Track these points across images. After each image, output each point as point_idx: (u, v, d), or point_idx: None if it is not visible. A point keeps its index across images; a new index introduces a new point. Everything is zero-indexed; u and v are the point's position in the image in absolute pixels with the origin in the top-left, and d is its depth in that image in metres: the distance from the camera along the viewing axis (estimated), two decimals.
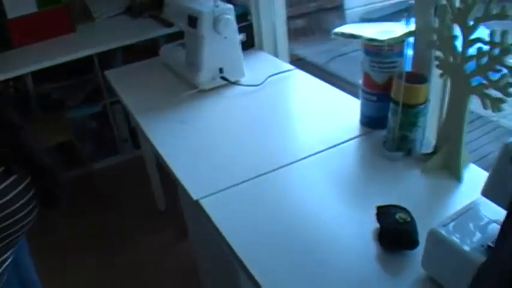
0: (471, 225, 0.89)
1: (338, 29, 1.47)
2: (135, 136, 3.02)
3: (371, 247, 1.04)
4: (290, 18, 2.23)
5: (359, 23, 1.54)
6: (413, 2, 1.33)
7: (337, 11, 4.13)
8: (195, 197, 1.25)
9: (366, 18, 4.91)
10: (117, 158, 3.19)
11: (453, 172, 1.24)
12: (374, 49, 1.36)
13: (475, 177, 1.21)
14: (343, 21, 4.18)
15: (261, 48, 2.18)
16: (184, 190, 1.29)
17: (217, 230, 1.14)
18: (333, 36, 1.50)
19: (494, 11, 1.03)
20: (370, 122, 1.48)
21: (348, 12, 4.43)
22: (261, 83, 1.83)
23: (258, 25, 2.14)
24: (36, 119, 2.80)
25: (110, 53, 2.63)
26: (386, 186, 1.23)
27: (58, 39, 2.71)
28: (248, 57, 1.99)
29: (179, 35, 2.08)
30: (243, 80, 1.87)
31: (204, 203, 1.23)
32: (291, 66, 1.98)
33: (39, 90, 2.78)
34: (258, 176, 1.31)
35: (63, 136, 2.70)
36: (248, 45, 2.11)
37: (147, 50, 2.42)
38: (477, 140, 3.21)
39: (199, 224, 1.24)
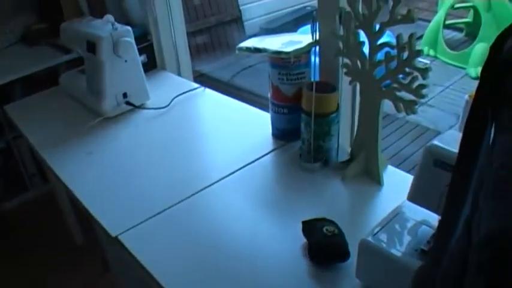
0: (400, 230, 0.88)
1: (242, 44, 1.45)
2: (44, 170, 2.87)
3: (302, 264, 1.01)
4: (189, 34, 2.19)
5: (261, 35, 1.52)
6: (311, 9, 1.32)
7: (236, 23, 4.14)
8: (113, 234, 1.18)
9: (267, 28, 4.97)
10: (28, 195, 3.02)
11: (373, 177, 1.23)
12: (280, 62, 1.35)
13: (395, 179, 1.21)
14: (243, 33, 4.19)
15: (163, 68, 2.14)
16: (101, 227, 1.21)
17: (139, 262, 1.08)
18: (237, 51, 1.47)
19: (399, 16, 1.03)
20: (283, 134, 1.47)
21: (247, 23, 4.45)
22: (168, 105, 1.78)
23: (159, 44, 2.10)
24: None
25: (8, 86, 2.47)
26: (309, 199, 1.21)
27: None
28: (151, 78, 1.95)
29: (79, 61, 1.99)
30: (149, 103, 1.81)
31: (124, 238, 1.16)
32: (196, 85, 1.94)
33: None
34: (176, 204, 1.26)
35: None
36: (150, 66, 2.06)
37: (46, 80, 2.30)
38: (397, 142, 3.30)
39: (121, 256, 1.17)
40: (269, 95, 1.43)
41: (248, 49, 1.41)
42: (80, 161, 1.52)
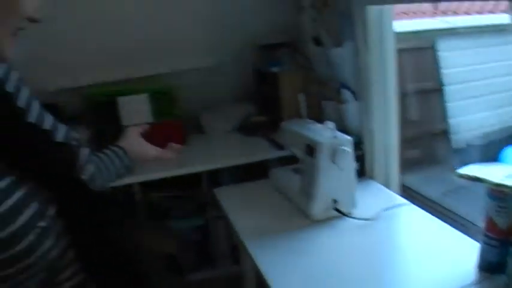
0: None
1: (462, 171, 1.42)
2: (235, 252, 2.98)
3: None
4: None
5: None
6: None
7: (443, 136, 4.06)
8: None
9: (474, 145, 4.80)
10: (215, 272, 3.15)
11: None
12: (501, 194, 1.30)
13: None
14: (449, 147, 4.09)
15: (371, 178, 2.18)
16: None
17: None
18: (457, 177, 1.45)
19: None
20: (489, 267, 1.40)
21: (454, 137, 4.35)
22: (374, 217, 1.80)
23: (371, 155, 2.16)
24: (142, 226, 2.84)
25: (219, 169, 2.66)
26: None
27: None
28: (359, 186, 1.96)
29: (290, 159, 2.11)
30: (355, 212, 1.85)
31: None
32: (404, 200, 1.95)
33: (146, 199, 2.83)
34: None
35: (169, 247, 2.71)
36: (359, 174, 2.07)
37: (255, 169, 2.42)
38: None
39: None
40: (482, 225, 1.39)
41: (468, 177, 1.39)
42: (279, 255, 1.59)
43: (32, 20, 0.85)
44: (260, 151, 2.63)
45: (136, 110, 2.71)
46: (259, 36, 2.91)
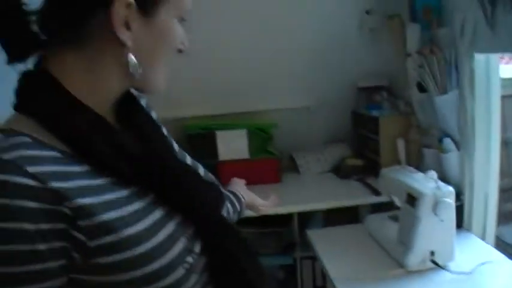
0: None
1: None
2: None
3: None
4: None
5: None
6: None
7: None
8: None
9: None
10: None
11: None
12: None
13: None
14: None
15: (468, 229, 2.11)
16: None
17: None
18: None
19: None
20: None
21: None
22: (471, 272, 1.75)
23: (470, 206, 2.10)
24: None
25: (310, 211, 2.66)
26: None
27: (264, 187, 2.81)
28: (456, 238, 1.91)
29: (385, 205, 2.08)
30: (452, 265, 1.79)
31: None
32: (502, 255, 1.88)
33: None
34: None
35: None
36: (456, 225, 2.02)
37: (347, 213, 2.39)
38: None
39: None
40: None
41: None
42: None
43: (179, 52, 0.94)
44: (355, 195, 2.60)
45: (233, 145, 2.77)
46: (358, 78, 2.92)
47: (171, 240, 0.85)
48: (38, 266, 0.70)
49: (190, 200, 0.92)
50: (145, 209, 0.84)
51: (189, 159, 1.17)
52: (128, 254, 0.77)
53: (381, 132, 2.65)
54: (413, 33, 2.29)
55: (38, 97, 0.81)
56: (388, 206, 2.33)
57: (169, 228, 0.86)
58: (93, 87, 0.85)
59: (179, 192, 0.90)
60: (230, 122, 2.84)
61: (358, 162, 2.84)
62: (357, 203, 2.56)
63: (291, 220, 2.76)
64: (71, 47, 0.83)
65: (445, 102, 2.11)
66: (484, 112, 2.03)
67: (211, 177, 1.14)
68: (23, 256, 0.69)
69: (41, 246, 0.70)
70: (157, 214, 0.85)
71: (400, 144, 2.60)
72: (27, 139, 0.76)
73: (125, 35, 0.83)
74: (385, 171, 2.02)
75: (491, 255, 1.87)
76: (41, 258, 0.70)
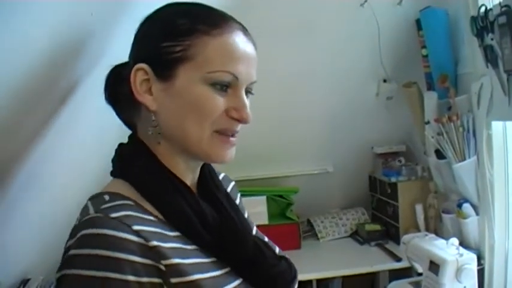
0: None
1: None
2: None
3: None
4: None
5: None
6: None
7: None
8: None
9: None
10: None
11: None
12: None
13: None
14: None
15: None
16: None
17: None
18: None
19: None
20: None
21: None
22: None
23: (490, 271, 2.10)
24: None
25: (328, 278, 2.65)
26: None
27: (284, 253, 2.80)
28: None
29: (404, 270, 2.06)
30: None
31: None
32: None
33: None
34: None
35: None
36: None
37: (366, 279, 2.38)
38: None
39: None
40: None
41: None
42: None
43: (236, 120, 0.95)
44: (373, 261, 2.58)
45: (253, 211, 2.77)
46: (376, 143, 2.96)
47: None
48: None
49: (265, 278, 0.96)
50: (226, 276, 0.91)
51: (254, 227, 1.21)
52: None
53: (400, 198, 2.67)
54: (430, 101, 2.35)
55: (135, 166, 0.92)
56: (407, 272, 2.33)
57: None
58: (166, 156, 0.94)
59: (256, 269, 0.95)
60: (249, 188, 2.86)
61: (376, 227, 2.84)
62: (377, 269, 2.55)
63: (310, 286, 2.75)
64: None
65: (464, 169, 2.14)
66: (502, 179, 2.06)
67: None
68: None
69: None
70: (236, 283, 0.91)
71: (419, 209, 2.61)
72: (130, 202, 0.86)
73: (146, 100, 0.90)
74: (407, 238, 2.03)
75: None
76: None
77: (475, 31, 1.98)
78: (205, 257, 0.89)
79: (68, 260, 0.79)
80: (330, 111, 2.82)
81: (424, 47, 2.39)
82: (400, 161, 2.82)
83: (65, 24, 1.23)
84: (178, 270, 0.82)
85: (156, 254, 0.80)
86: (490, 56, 1.92)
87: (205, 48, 0.88)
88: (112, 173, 0.96)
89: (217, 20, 0.91)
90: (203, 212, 0.91)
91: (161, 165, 0.93)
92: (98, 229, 0.78)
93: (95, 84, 1.08)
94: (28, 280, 1.86)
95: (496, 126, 2.03)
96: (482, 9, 1.91)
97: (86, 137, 1.85)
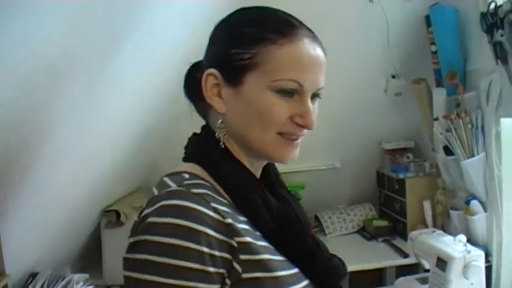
0: None
1: None
2: None
3: None
4: None
5: None
6: None
7: None
8: None
9: None
10: None
11: None
12: None
13: None
14: None
15: None
16: None
17: None
18: None
19: None
20: None
21: None
22: None
23: (497, 269, 2.11)
24: None
25: None
26: None
27: None
28: None
29: (411, 266, 2.06)
30: None
31: None
32: None
33: None
34: None
35: None
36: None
37: (373, 274, 2.38)
38: None
39: None
40: None
41: None
42: None
43: (300, 126, 0.98)
44: (381, 257, 2.59)
45: None
46: (384, 139, 2.95)
47: None
48: (203, 285, 0.82)
49: (321, 271, 0.99)
50: (287, 262, 0.94)
51: None
52: None
53: (408, 194, 2.67)
54: (439, 98, 2.34)
55: (210, 152, 0.97)
56: (414, 268, 2.33)
57: (305, 283, 0.95)
58: (234, 150, 0.99)
59: (312, 262, 0.98)
60: None
61: (383, 223, 2.84)
62: (385, 265, 2.55)
63: None
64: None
65: (472, 165, 2.13)
66: (511, 174, 2.05)
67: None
68: (193, 273, 0.81)
69: (211, 269, 0.82)
70: (295, 269, 0.95)
71: (426, 206, 2.61)
72: (207, 183, 0.92)
73: (216, 103, 0.96)
74: (414, 234, 2.03)
75: None
76: (208, 280, 0.82)
77: (484, 27, 1.98)
78: (268, 244, 0.93)
79: (148, 226, 0.84)
80: (338, 107, 2.80)
81: (433, 43, 2.39)
82: (408, 157, 2.82)
83: None
84: (249, 248, 0.87)
85: (231, 230, 0.86)
86: (500, 53, 1.91)
87: (272, 57, 0.91)
88: (184, 159, 1.02)
89: (285, 29, 0.93)
90: (269, 202, 0.95)
91: (232, 155, 0.98)
92: (181, 201, 0.84)
93: None
94: (36, 274, 1.88)
95: (505, 123, 2.02)
96: (492, 5, 1.91)
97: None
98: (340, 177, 3.07)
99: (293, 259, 0.96)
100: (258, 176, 1.03)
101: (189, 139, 1.05)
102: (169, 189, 0.88)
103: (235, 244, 0.85)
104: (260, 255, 0.88)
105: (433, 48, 2.39)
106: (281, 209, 0.97)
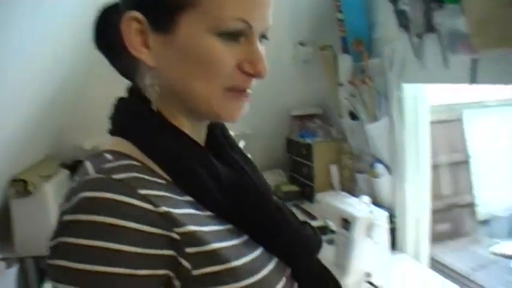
0: None
1: (496, 249, 1.46)
2: None
3: None
4: None
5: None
6: None
7: (468, 208, 4.05)
8: None
9: (499, 217, 4.79)
10: None
11: None
12: None
13: None
14: (474, 218, 4.07)
15: (402, 251, 2.19)
16: None
17: None
18: (491, 255, 1.48)
19: None
20: None
21: (478, 209, 4.36)
22: None
23: (403, 228, 2.19)
24: None
25: None
26: None
27: None
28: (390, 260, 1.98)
29: (318, 228, 2.10)
30: (387, 285, 1.85)
31: None
32: (436, 274, 1.97)
33: None
34: None
35: None
36: (391, 247, 2.10)
37: None
38: None
39: None
40: None
41: (503, 255, 1.43)
42: None
43: (249, 75, 0.81)
44: None
45: None
46: (293, 106, 2.99)
47: (274, 278, 0.81)
48: None
49: (290, 246, 0.86)
50: (247, 245, 0.79)
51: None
52: (233, 285, 0.73)
53: (315, 159, 2.74)
54: (344, 64, 2.40)
55: (138, 122, 0.80)
56: (323, 230, 2.40)
57: (271, 266, 0.81)
58: (171, 112, 0.81)
59: (279, 237, 0.84)
60: None
61: (293, 188, 2.91)
62: None
63: None
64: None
65: (376, 130, 2.21)
66: (413, 139, 2.14)
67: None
68: (121, 280, 0.65)
69: (142, 272, 0.67)
70: (258, 252, 0.80)
71: (334, 170, 2.68)
72: (136, 162, 0.75)
73: (142, 54, 0.77)
74: (320, 196, 2.08)
75: (425, 275, 1.96)
76: (141, 286, 0.67)
77: None
78: (220, 224, 0.77)
79: (63, 226, 0.68)
80: None
81: (339, 11, 2.43)
82: (316, 123, 2.88)
83: None
84: (195, 238, 0.71)
85: (168, 221, 0.69)
86: (403, 21, 1.97)
87: None
88: (111, 132, 0.83)
89: None
90: (217, 170, 0.80)
91: (167, 121, 0.80)
92: (98, 192, 0.68)
93: None
94: None
95: (408, 88, 2.10)
96: None
97: None
98: (251, 143, 3.08)
99: (256, 236, 0.81)
100: (203, 139, 0.88)
101: (114, 106, 0.84)
102: (86, 177, 0.71)
103: (176, 236, 0.69)
104: (210, 245, 0.72)
105: (340, 16, 2.43)
106: (232, 175, 0.82)
